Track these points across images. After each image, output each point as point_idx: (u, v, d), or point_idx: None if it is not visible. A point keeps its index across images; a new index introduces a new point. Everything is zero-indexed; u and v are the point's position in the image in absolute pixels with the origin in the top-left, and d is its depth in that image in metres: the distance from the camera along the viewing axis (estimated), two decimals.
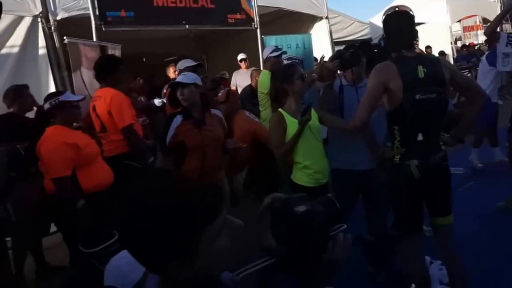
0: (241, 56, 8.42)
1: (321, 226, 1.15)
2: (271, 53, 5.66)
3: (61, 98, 3.61)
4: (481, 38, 15.98)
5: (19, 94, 4.51)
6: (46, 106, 3.60)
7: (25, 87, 4.59)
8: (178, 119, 3.57)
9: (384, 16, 3.01)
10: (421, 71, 2.77)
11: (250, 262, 1.15)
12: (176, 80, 3.78)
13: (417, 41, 2.90)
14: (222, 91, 4.73)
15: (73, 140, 3.57)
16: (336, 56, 3.57)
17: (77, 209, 3.45)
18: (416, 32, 3.00)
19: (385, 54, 3.39)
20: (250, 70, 8.09)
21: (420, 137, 2.83)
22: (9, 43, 5.11)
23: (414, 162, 2.83)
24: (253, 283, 1.21)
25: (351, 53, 3.47)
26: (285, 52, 5.95)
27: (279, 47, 6.39)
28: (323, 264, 1.16)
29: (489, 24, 5.68)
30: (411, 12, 2.96)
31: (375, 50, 3.79)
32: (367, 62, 3.77)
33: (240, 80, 8.07)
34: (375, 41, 11.06)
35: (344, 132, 3.49)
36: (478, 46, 15.63)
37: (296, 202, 1.16)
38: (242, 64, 8.42)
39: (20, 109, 4.52)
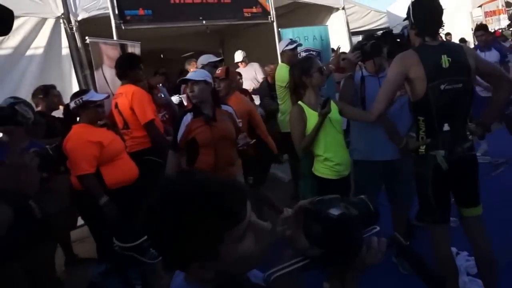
0: (238, 57, 8.51)
1: (356, 230, 1.16)
2: (286, 46, 5.78)
3: (85, 97, 3.77)
4: (504, 23, 15.85)
5: (46, 93, 4.77)
6: (72, 105, 3.78)
7: (52, 87, 4.87)
8: (188, 117, 3.68)
9: (413, 2, 2.96)
10: (445, 60, 2.75)
11: (279, 263, 1.20)
12: (187, 77, 3.90)
13: (443, 29, 2.96)
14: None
15: (97, 138, 3.74)
16: (357, 47, 3.62)
17: (100, 206, 3.61)
18: (442, 20, 2.94)
19: (407, 44, 3.36)
20: (251, 65, 8.32)
21: (446, 127, 2.83)
22: (34, 44, 5.35)
23: (441, 153, 2.84)
24: (285, 284, 1.24)
25: (372, 44, 3.52)
26: (300, 45, 6.05)
27: (295, 39, 6.52)
28: (356, 267, 1.19)
29: None
30: (439, 1, 2.93)
31: (398, 40, 3.78)
32: (388, 52, 3.79)
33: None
34: (395, 30, 11.16)
35: (365, 123, 3.56)
36: (501, 30, 15.47)
37: (329, 203, 1.17)
38: (241, 65, 8.49)
39: (48, 107, 4.79)
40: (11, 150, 3.08)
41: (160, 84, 5.96)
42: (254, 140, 4.02)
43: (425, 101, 2.80)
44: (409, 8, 2.96)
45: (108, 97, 4.23)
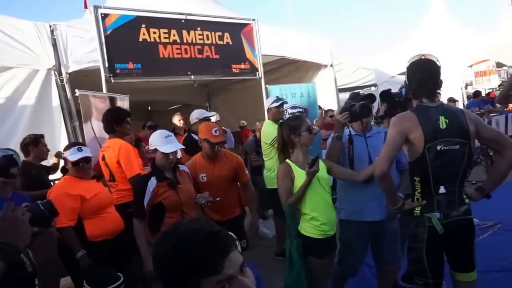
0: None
1: None
2: (272, 103, 6.08)
3: (65, 154, 4.03)
4: (494, 83, 16.54)
5: (36, 142, 5.07)
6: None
7: (41, 136, 5.17)
8: (153, 182, 3.79)
9: (408, 63, 3.08)
10: (442, 122, 2.87)
11: None
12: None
13: (440, 90, 3.12)
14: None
15: (78, 192, 3.88)
16: (345, 108, 3.67)
17: (76, 259, 3.72)
18: (441, 82, 3.05)
19: (406, 103, 3.57)
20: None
21: (442, 189, 2.91)
22: (25, 95, 5.76)
23: (436, 215, 2.92)
24: None
25: (362, 106, 3.59)
26: (286, 102, 6.28)
27: (282, 96, 6.86)
28: None
29: (500, 92, 5.68)
30: (437, 62, 3.04)
31: (396, 99, 3.91)
32: (386, 111, 3.98)
33: None
34: (381, 87, 11.71)
35: (353, 183, 3.70)
36: (492, 90, 16.02)
37: None
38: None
39: (37, 157, 5.09)
40: (4, 203, 3.28)
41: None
42: (218, 199, 4.08)
43: (421, 161, 2.89)
44: (407, 69, 3.09)
45: (86, 157, 4.12)
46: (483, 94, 14.65)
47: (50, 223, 3.86)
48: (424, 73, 3.01)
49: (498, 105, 13.71)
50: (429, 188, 2.94)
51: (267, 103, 6.26)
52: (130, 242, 3.94)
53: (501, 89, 5.66)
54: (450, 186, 2.93)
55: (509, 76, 18.40)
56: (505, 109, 13.60)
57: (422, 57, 3.06)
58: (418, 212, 3.01)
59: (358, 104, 3.60)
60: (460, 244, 3.03)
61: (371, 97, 3.75)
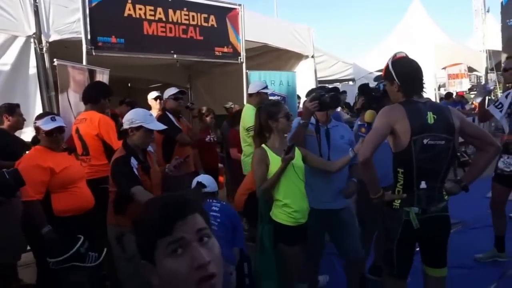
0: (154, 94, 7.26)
1: None
2: (262, 89, 5.84)
3: (37, 123, 3.75)
4: (465, 87, 16.70)
5: (11, 112, 4.77)
6: (33, 125, 3.78)
7: (17, 106, 4.87)
8: (134, 163, 3.54)
9: (392, 62, 3.03)
10: (431, 117, 2.85)
11: None
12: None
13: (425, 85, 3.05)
14: None
15: (48, 164, 3.65)
16: (316, 97, 3.64)
17: (41, 234, 3.51)
18: (422, 77, 3.03)
19: (383, 98, 3.54)
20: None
21: (423, 185, 2.88)
22: (2, 60, 5.44)
23: (415, 210, 2.88)
24: None
25: (332, 96, 3.58)
26: (273, 94, 6.14)
27: (265, 82, 6.59)
28: None
29: (478, 113, 5.63)
30: (411, 58, 3.05)
31: (373, 93, 3.92)
32: (363, 104, 3.97)
33: None
34: (359, 82, 11.65)
35: (312, 171, 3.65)
36: (464, 93, 16.24)
37: None
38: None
39: (12, 127, 4.79)
40: None
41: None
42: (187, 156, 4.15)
43: (407, 154, 2.85)
44: (388, 69, 3.03)
45: (61, 127, 3.90)
46: (454, 96, 14.71)
47: (14, 193, 3.67)
48: (412, 70, 3.00)
49: (467, 108, 13.86)
50: (412, 182, 2.90)
51: (256, 87, 6.00)
52: (102, 219, 3.76)
53: (477, 106, 5.60)
54: (431, 182, 2.90)
55: (479, 81, 18.64)
56: (473, 112, 13.72)
57: (396, 56, 3.06)
58: (398, 205, 2.96)
59: (329, 95, 3.59)
60: (435, 240, 3.02)
61: (336, 90, 3.81)
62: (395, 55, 3.08)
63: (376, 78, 4.17)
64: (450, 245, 4.98)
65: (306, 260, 4.07)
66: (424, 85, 3.05)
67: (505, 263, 4.97)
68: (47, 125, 3.74)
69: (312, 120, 3.77)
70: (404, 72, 2.98)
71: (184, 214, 1.21)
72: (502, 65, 15.26)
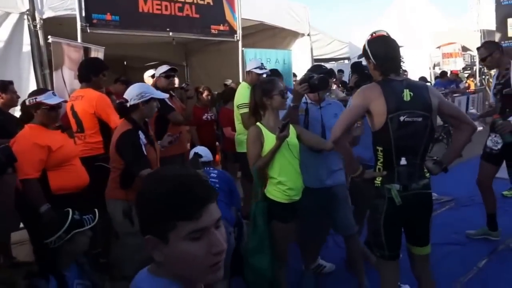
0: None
1: None
2: (254, 68, 5.73)
3: (39, 98, 3.61)
4: (459, 66, 16.64)
5: (4, 89, 4.62)
6: (27, 102, 3.62)
7: (10, 83, 4.72)
8: (142, 136, 3.59)
9: (368, 41, 3.00)
10: (407, 94, 2.80)
11: None
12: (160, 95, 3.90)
13: (403, 62, 3.03)
14: None
15: (45, 142, 3.56)
16: (305, 79, 3.63)
17: (40, 213, 3.43)
18: (400, 55, 3.00)
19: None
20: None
21: (403, 161, 2.83)
22: None
23: (396, 187, 2.83)
24: None
25: (320, 78, 3.54)
26: (268, 73, 5.85)
27: (261, 62, 6.37)
28: None
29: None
30: (391, 37, 3.01)
31: (366, 71, 3.81)
32: (356, 82, 3.94)
33: None
34: (354, 60, 11.53)
35: (305, 149, 3.61)
36: (458, 72, 16.18)
37: None
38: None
39: (5, 104, 4.65)
40: None
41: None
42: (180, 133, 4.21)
43: (385, 132, 2.82)
44: (365, 48, 3.01)
45: (65, 101, 4.12)
46: (449, 74, 14.64)
47: (5, 171, 3.58)
48: (388, 49, 2.95)
49: (461, 86, 13.80)
50: (391, 159, 2.85)
51: (250, 65, 5.93)
52: (98, 196, 3.72)
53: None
54: (411, 159, 2.85)
55: (473, 60, 18.55)
56: (467, 91, 13.67)
57: (374, 35, 3.00)
58: (379, 183, 2.92)
59: (317, 77, 3.55)
60: (417, 218, 2.98)
61: (330, 72, 3.83)
62: (372, 34, 3.03)
63: (359, 56, 4.14)
64: (443, 222, 5.46)
65: (306, 242, 4.14)
66: (403, 63, 3.02)
67: (497, 239, 5.02)
68: (51, 99, 3.66)
69: (306, 100, 3.77)
70: (379, 51, 2.94)
71: (209, 200, 1.21)
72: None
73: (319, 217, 3.91)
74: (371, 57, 2.96)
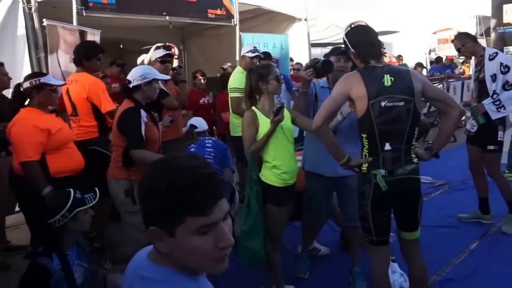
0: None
1: None
2: (247, 52, 5.69)
3: (42, 79, 3.59)
4: (454, 51, 16.50)
5: None
6: (26, 85, 3.57)
7: (1, 64, 4.61)
8: (143, 114, 3.58)
9: (346, 33, 3.03)
10: (387, 79, 2.81)
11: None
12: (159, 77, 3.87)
13: (384, 50, 3.07)
14: None
15: (45, 125, 3.55)
16: (309, 65, 3.61)
17: (42, 195, 3.42)
18: (379, 42, 3.01)
19: None
20: None
21: (387, 146, 2.82)
22: None
23: (381, 172, 2.83)
24: None
25: (323, 62, 3.52)
26: (261, 56, 5.79)
27: (256, 47, 6.27)
28: None
29: None
30: (369, 26, 3.04)
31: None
32: (352, 67, 3.79)
33: None
34: None
35: (315, 136, 3.51)
36: (453, 57, 16.10)
37: None
38: None
39: None
40: None
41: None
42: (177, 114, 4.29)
43: (367, 118, 2.82)
44: (344, 39, 3.03)
45: (64, 84, 4.20)
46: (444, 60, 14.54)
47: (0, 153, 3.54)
48: (367, 36, 2.97)
49: (456, 72, 13.72)
50: (376, 145, 2.86)
51: (243, 50, 5.91)
52: (94, 179, 3.68)
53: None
54: (396, 144, 2.84)
55: None
56: (462, 76, 13.59)
57: (353, 25, 3.03)
58: (365, 169, 2.92)
59: (320, 61, 3.53)
60: (405, 203, 2.96)
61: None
62: (351, 24, 3.05)
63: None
64: (437, 205, 5.57)
65: (310, 224, 4.18)
66: (384, 50, 3.04)
67: (488, 222, 5.07)
68: (54, 81, 3.71)
69: (314, 84, 3.77)
70: (357, 39, 2.96)
71: (220, 196, 1.17)
72: (491, 30, 15.13)
73: (327, 203, 3.98)
74: (350, 47, 2.98)
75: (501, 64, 4.57)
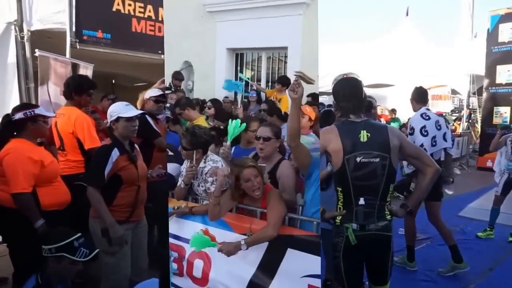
0: None
1: None
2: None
3: (37, 111, 3.61)
4: (448, 108, 16.80)
5: None
6: (19, 115, 3.54)
7: None
8: (116, 152, 3.52)
9: (334, 83, 3.05)
10: (364, 135, 2.86)
11: None
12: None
13: (374, 105, 3.29)
14: None
15: (38, 157, 3.55)
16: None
17: (34, 228, 3.38)
18: (365, 96, 3.06)
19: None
20: None
21: (361, 201, 2.86)
22: None
23: (353, 226, 2.87)
24: None
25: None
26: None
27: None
28: None
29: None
30: (358, 78, 3.05)
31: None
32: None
33: None
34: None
35: None
36: (445, 114, 16.33)
37: None
38: None
39: None
40: None
41: None
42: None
43: (342, 172, 2.85)
44: (332, 89, 3.06)
45: (54, 116, 4.21)
46: None
47: None
48: (347, 91, 3.00)
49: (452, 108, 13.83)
50: (350, 199, 2.89)
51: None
52: (78, 215, 3.68)
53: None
54: (370, 199, 2.88)
55: (461, 103, 18.77)
56: (453, 134, 13.69)
57: (345, 76, 3.05)
58: (339, 221, 2.94)
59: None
60: (375, 258, 3.01)
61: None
62: (344, 75, 3.07)
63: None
64: (420, 259, 5.48)
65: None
66: (375, 103, 3.21)
67: (467, 276, 5.07)
68: (48, 113, 3.76)
69: None
70: (341, 93, 3.01)
71: None
72: (484, 90, 15.39)
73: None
74: (334, 98, 3.05)
75: None
